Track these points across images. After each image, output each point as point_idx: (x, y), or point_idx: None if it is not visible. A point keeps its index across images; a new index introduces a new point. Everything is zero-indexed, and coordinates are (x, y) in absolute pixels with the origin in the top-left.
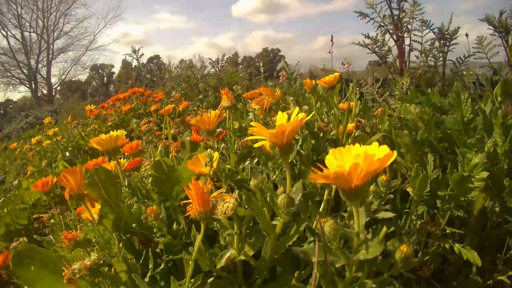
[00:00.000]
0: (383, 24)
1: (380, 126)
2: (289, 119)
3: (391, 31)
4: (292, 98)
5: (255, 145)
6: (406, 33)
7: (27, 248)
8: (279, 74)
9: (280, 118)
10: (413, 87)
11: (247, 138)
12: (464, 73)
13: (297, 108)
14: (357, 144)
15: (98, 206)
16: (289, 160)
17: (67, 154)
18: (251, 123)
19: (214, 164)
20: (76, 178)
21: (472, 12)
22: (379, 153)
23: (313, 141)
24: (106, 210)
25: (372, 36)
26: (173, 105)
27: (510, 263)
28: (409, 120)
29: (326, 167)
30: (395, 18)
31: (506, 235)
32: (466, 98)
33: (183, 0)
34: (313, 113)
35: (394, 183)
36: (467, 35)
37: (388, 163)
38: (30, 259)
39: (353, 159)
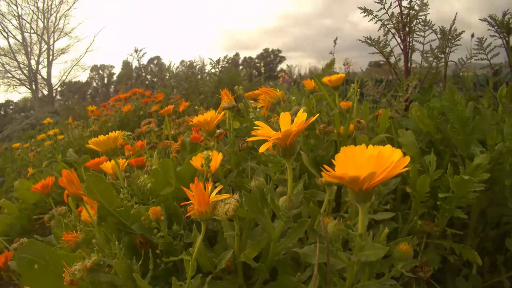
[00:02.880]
0: (390, 23)
1: (380, 127)
2: (292, 119)
3: (399, 30)
4: (294, 98)
5: (260, 150)
6: (410, 33)
7: (32, 246)
8: (279, 75)
9: (284, 118)
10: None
11: (250, 139)
12: (465, 74)
13: (302, 109)
14: (370, 145)
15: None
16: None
17: (68, 154)
18: (256, 122)
19: (214, 165)
20: (73, 180)
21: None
22: (394, 156)
23: (313, 141)
24: (103, 214)
25: (374, 38)
26: (173, 105)
27: (510, 263)
28: (410, 121)
29: (330, 168)
30: (403, 16)
31: (506, 236)
32: (460, 98)
33: None
34: (317, 115)
35: (394, 183)
36: (472, 35)
37: (402, 168)
38: (34, 257)
39: (368, 161)
